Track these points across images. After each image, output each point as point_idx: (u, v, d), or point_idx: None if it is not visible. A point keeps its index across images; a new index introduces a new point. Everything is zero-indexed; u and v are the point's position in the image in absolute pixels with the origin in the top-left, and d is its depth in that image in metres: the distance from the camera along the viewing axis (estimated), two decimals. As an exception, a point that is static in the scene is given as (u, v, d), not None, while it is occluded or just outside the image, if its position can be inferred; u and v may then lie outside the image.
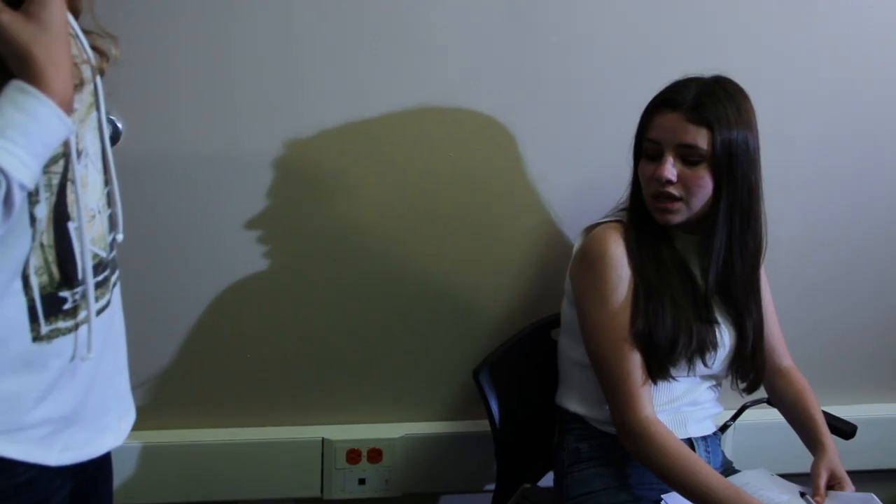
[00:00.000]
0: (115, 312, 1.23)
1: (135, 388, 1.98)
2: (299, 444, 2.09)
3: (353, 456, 2.10)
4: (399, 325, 2.08)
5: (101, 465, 1.29)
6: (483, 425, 1.94)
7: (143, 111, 1.83)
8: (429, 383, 2.15)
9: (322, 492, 2.13)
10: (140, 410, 2.00)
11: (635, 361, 1.62)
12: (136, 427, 1.99)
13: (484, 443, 1.99)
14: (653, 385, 1.65)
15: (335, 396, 2.12)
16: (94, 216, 1.15)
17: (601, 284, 1.64)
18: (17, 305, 1.04)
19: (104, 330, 1.19)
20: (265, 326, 2.03)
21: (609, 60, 1.98)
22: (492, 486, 1.94)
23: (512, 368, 1.87)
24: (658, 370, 1.64)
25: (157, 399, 2.04)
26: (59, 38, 0.99)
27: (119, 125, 1.80)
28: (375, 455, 2.11)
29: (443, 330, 2.10)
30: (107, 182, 1.21)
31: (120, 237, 1.24)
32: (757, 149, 1.61)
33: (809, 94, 2.09)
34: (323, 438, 2.09)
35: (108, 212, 1.21)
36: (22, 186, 0.95)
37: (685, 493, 1.56)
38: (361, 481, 2.13)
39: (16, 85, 0.96)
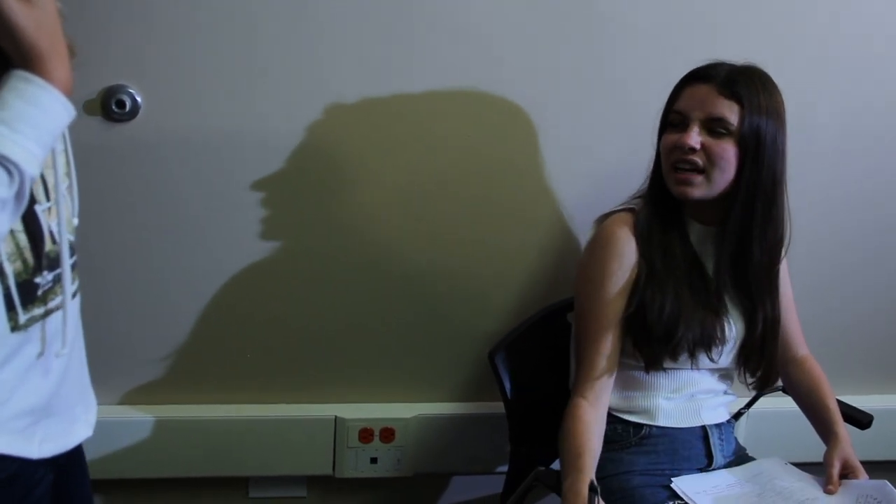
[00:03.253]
0: (78, 299, 1.20)
1: (151, 362, 2.02)
2: (312, 422, 2.09)
3: (366, 435, 2.11)
4: (415, 305, 2.08)
5: (74, 456, 1.27)
6: (496, 407, 1.94)
7: (166, 87, 1.83)
8: (442, 364, 2.15)
9: (334, 470, 2.14)
10: (155, 385, 2.04)
11: (605, 352, 1.64)
12: (151, 401, 2.04)
13: (497, 425, 2.00)
14: (658, 373, 1.68)
15: (349, 375, 2.12)
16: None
17: (599, 272, 1.65)
18: None
19: (76, 316, 1.18)
20: (280, 305, 2.03)
21: (631, 48, 1.96)
22: (504, 468, 1.95)
23: (527, 351, 1.88)
24: (652, 361, 1.65)
25: (172, 374, 2.05)
26: (56, 22, 0.98)
27: (139, 99, 1.80)
28: (388, 434, 2.12)
29: (458, 311, 2.10)
30: (67, 162, 1.18)
31: (75, 221, 1.21)
32: (784, 143, 1.60)
33: (828, 82, 2.08)
34: (336, 417, 2.10)
35: (74, 194, 1.19)
36: (32, 179, 0.95)
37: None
38: (373, 460, 2.14)
39: (19, 75, 0.95)
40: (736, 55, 1.62)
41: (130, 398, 2.04)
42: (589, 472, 1.53)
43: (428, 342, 2.12)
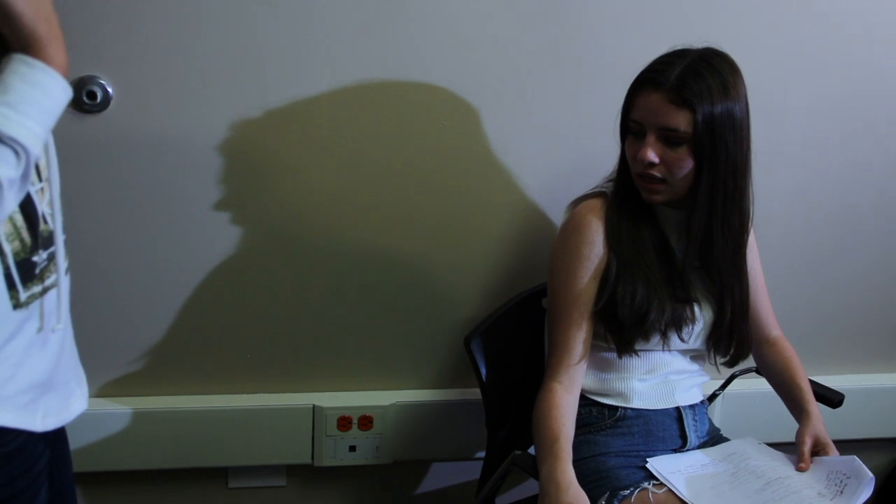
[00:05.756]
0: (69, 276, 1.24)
1: (128, 354, 2.02)
2: (290, 411, 2.10)
3: (344, 423, 2.11)
4: (391, 293, 2.09)
5: (61, 438, 1.31)
6: (474, 393, 1.95)
7: (138, 78, 1.82)
8: (420, 351, 2.16)
9: (313, 458, 2.14)
10: (133, 377, 2.04)
11: (579, 336, 1.66)
12: (129, 393, 2.04)
13: (474, 410, 2.01)
14: (632, 357, 1.70)
15: (326, 364, 2.13)
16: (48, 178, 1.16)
17: (572, 257, 1.66)
18: None
19: (69, 292, 1.21)
20: (256, 296, 2.03)
21: (597, 33, 1.97)
22: (482, 454, 1.96)
23: (503, 336, 1.88)
24: (624, 346, 1.67)
25: (149, 366, 2.04)
26: (51, 6, 1.02)
27: (110, 90, 1.80)
28: (366, 422, 2.12)
29: (434, 298, 2.11)
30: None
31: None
32: (745, 121, 1.58)
33: (799, 66, 2.09)
34: (314, 405, 2.10)
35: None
36: (36, 159, 0.99)
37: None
38: (352, 448, 2.14)
39: (21, 59, 0.99)
40: (703, 40, 1.62)
41: (107, 390, 2.04)
42: (566, 457, 1.56)
43: (405, 330, 2.13)
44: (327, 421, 2.11)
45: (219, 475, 2.20)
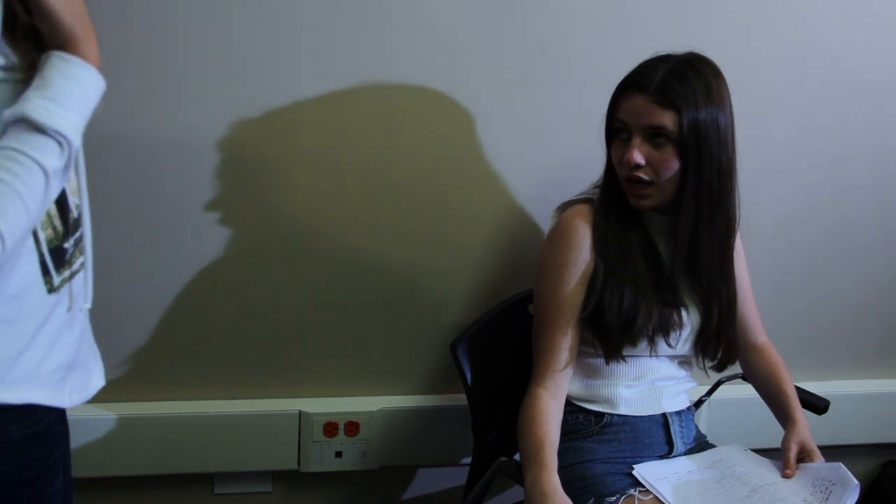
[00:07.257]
0: None
1: (113, 360, 2.00)
2: (276, 416, 2.09)
3: (331, 429, 2.11)
4: (378, 299, 2.08)
5: (65, 425, 1.34)
6: (460, 399, 1.95)
7: (119, 83, 1.80)
8: (406, 357, 2.16)
9: (299, 464, 2.14)
10: (118, 382, 2.03)
11: (565, 342, 1.66)
12: (114, 398, 2.03)
13: (461, 416, 2.00)
14: (619, 362, 1.69)
15: (313, 369, 2.12)
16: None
17: (558, 262, 1.66)
18: (31, 261, 1.09)
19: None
20: (242, 301, 2.03)
21: (582, 39, 1.97)
22: (468, 460, 1.96)
23: (489, 342, 1.88)
24: (611, 351, 1.67)
25: (135, 371, 2.03)
26: (84, 5, 1.08)
27: (95, 95, 1.79)
28: (352, 428, 2.12)
29: (421, 304, 2.11)
30: None
31: None
32: (729, 127, 1.59)
33: (788, 78, 2.10)
34: (300, 411, 2.10)
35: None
36: (76, 149, 1.05)
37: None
38: (338, 454, 2.14)
39: (58, 55, 1.05)
40: (690, 48, 1.62)
41: (94, 396, 2.02)
42: (550, 465, 1.56)
43: (391, 335, 2.13)
44: (314, 427, 2.10)
45: (205, 481, 2.18)
